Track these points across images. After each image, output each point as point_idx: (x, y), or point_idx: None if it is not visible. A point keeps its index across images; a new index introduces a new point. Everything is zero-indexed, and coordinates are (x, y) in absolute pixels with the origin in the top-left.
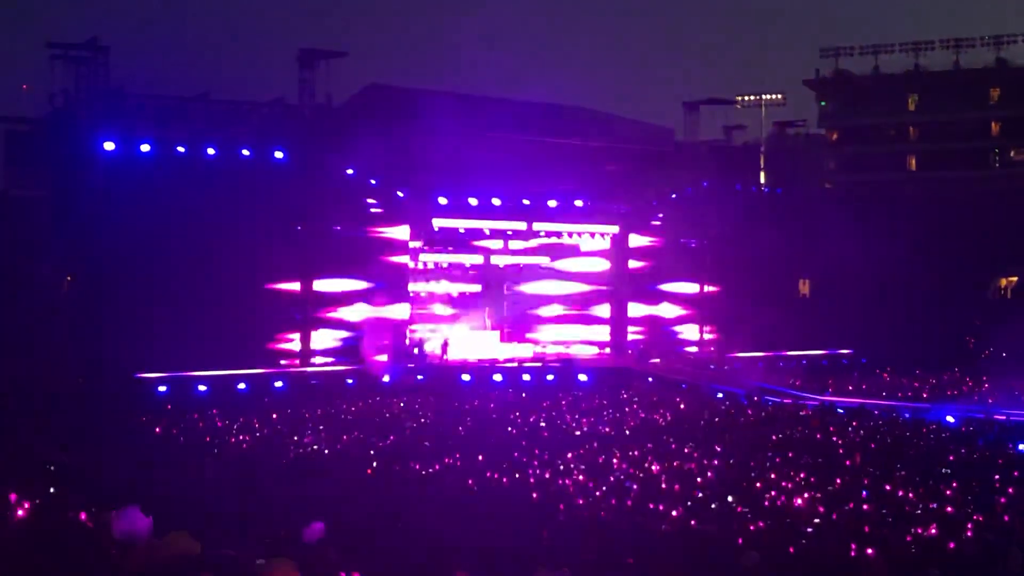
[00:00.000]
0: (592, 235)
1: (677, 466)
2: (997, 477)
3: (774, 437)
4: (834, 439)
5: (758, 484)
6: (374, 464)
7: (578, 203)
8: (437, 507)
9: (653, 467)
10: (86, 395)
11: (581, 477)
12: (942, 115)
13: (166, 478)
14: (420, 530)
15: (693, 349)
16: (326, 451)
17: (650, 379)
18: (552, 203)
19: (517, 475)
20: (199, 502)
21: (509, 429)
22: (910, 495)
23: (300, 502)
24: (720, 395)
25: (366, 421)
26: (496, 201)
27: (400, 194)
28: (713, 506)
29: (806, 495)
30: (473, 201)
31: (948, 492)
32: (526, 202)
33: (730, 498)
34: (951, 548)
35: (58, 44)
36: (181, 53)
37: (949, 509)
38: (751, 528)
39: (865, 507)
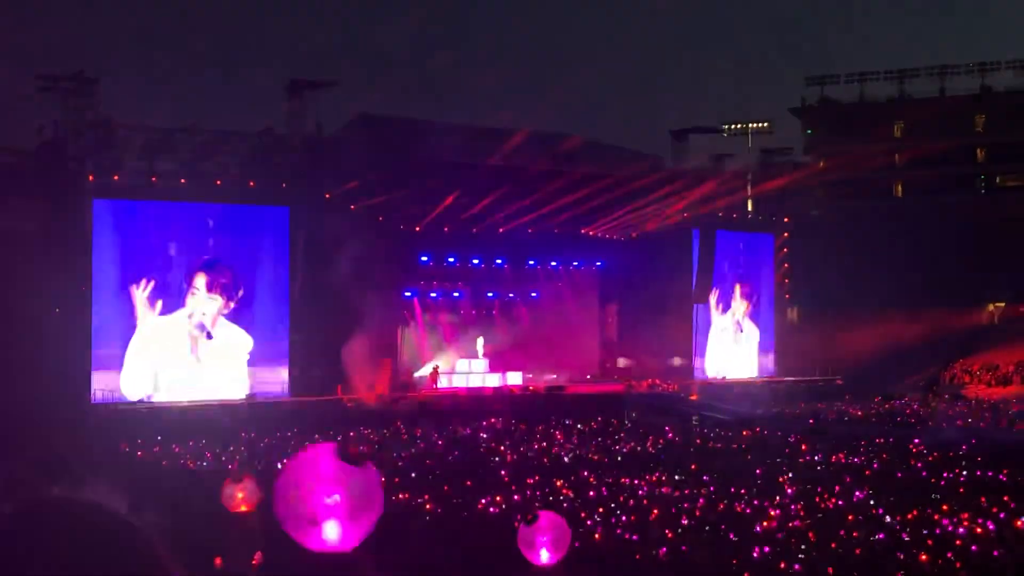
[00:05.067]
0: (581, 263)
1: (667, 492)
2: (985, 500)
3: (765, 462)
4: (822, 465)
5: (748, 510)
6: None
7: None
8: (425, 536)
9: (643, 493)
10: (71, 422)
11: (571, 505)
12: (928, 142)
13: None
14: (407, 561)
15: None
16: None
17: (639, 406)
18: (542, 232)
19: (505, 506)
20: (183, 528)
21: (497, 458)
22: (907, 519)
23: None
24: (708, 421)
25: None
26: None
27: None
28: (707, 528)
29: (796, 521)
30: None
31: (936, 516)
32: (517, 230)
33: (721, 524)
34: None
35: (46, 75)
36: (169, 84)
37: (938, 532)
38: (742, 555)
39: (855, 532)
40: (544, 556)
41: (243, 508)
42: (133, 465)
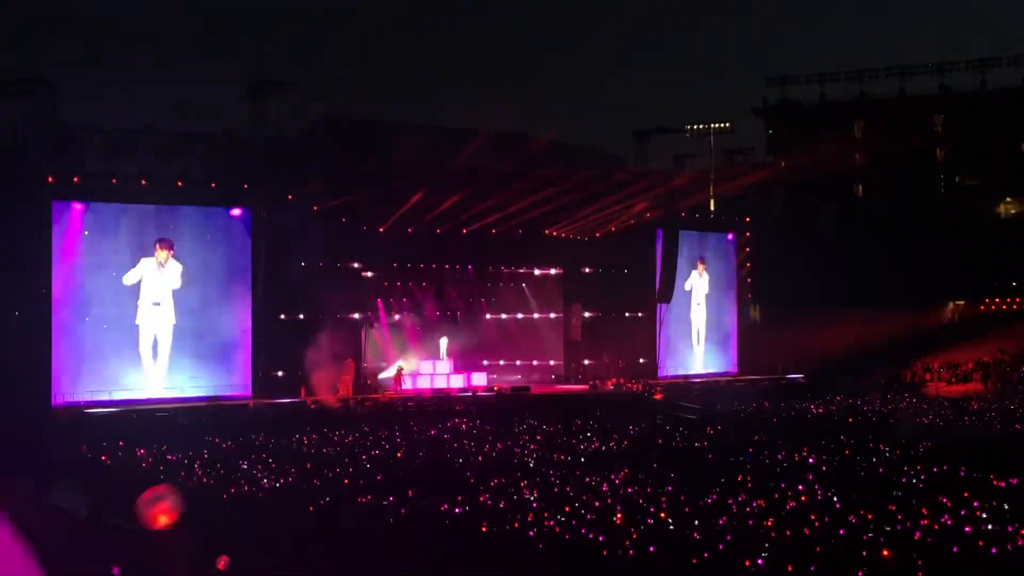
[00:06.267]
0: (544, 264)
1: (632, 491)
2: (945, 497)
3: (729, 460)
4: (785, 463)
5: (711, 508)
6: (326, 497)
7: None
8: (390, 538)
9: (607, 493)
10: (32, 424)
11: (536, 504)
12: (888, 142)
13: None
14: (372, 562)
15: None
16: (277, 484)
17: (603, 406)
18: (505, 233)
19: (467, 508)
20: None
21: (461, 460)
22: (867, 516)
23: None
24: (672, 420)
25: (318, 453)
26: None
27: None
28: (671, 526)
29: (759, 519)
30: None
31: (900, 515)
32: (481, 231)
33: (685, 522)
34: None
35: (3, 80)
36: (129, 85)
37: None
38: (705, 554)
39: (817, 526)
40: (162, 520)
41: (163, 520)
42: (94, 468)
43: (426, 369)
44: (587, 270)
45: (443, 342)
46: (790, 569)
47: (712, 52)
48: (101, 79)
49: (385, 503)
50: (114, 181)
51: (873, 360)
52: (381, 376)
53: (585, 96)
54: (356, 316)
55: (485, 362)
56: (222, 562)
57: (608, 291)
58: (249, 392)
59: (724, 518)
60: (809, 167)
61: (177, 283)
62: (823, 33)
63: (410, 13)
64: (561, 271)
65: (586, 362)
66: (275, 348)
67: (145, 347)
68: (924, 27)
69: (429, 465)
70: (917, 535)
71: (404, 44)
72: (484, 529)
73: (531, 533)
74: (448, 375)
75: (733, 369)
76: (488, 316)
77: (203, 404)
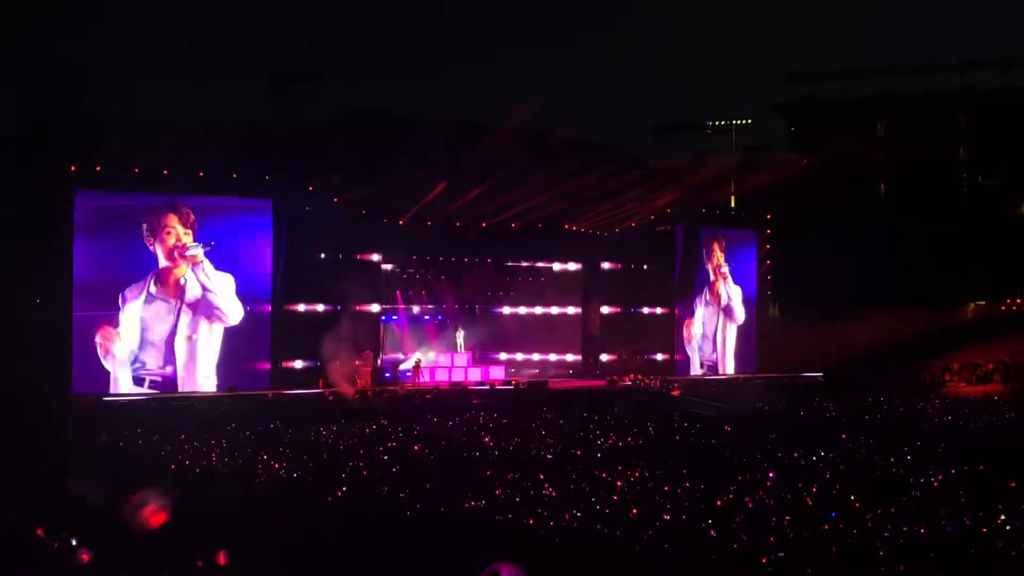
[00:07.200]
0: (564, 259)
1: (649, 488)
2: (963, 498)
3: (745, 458)
4: (803, 462)
5: (729, 506)
6: (343, 488)
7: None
8: (406, 531)
9: (624, 489)
10: (52, 413)
11: (552, 500)
12: (910, 140)
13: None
14: (388, 554)
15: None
16: (295, 475)
17: (621, 401)
18: (525, 227)
19: (484, 502)
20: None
21: (479, 453)
22: (885, 516)
23: (264, 527)
24: (689, 416)
25: (335, 444)
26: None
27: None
28: (687, 523)
29: (775, 517)
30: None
31: (918, 515)
32: (501, 225)
33: (701, 520)
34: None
35: (30, 67)
36: (153, 74)
37: (923, 532)
38: (722, 551)
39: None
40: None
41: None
42: (114, 457)
43: (444, 361)
44: (607, 265)
45: (461, 335)
46: (809, 572)
47: (733, 48)
48: (125, 68)
49: (401, 495)
50: (136, 171)
51: (892, 359)
52: (401, 368)
53: (606, 92)
54: (375, 308)
55: (503, 355)
56: (222, 557)
57: (627, 287)
58: (267, 382)
59: (741, 516)
60: (831, 165)
61: (197, 274)
62: (845, 30)
63: (431, 5)
64: (580, 266)
65: (604, 357)
66: (293, 339)
67: (163, 337)
68: (947, 25)
69: (445, 458)
70: (935, 536)
71: (426, 37)
72: (505, 521)
73: (546, 529)
74: (466, 368)
75: (752, 367)
76: (506, 310)
77: (221, 394)
